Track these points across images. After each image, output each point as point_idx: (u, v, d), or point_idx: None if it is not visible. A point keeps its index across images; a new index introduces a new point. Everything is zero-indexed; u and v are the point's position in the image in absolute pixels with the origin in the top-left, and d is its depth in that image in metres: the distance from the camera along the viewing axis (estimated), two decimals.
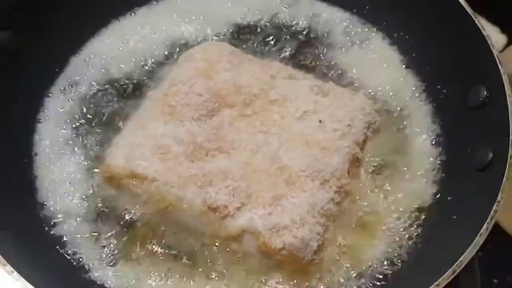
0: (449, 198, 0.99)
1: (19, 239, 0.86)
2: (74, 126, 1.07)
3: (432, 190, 1.02)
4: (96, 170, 1.02)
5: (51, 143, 1.04)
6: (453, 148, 1.04)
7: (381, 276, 0.94)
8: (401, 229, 0.98)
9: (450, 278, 0.80)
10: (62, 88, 1.10)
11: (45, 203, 0.98)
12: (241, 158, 0.97)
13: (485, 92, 0.99)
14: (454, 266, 0.81)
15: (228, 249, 0.94)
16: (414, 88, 1.13)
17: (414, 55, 1.14)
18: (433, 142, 1.07)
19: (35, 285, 0.76)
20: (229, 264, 0.95)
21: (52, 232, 0.95)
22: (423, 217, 0.99)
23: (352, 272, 0.94)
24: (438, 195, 1.01)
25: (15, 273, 0.77)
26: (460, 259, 0.82)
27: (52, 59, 1.10)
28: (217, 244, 0.95)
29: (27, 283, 0.76)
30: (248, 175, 0.96)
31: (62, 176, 1.01)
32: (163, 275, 0.94)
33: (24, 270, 0.77)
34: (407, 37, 1.16)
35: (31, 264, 0.82)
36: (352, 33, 1.18)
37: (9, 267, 0.77)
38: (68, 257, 0.93)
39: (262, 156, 0.98)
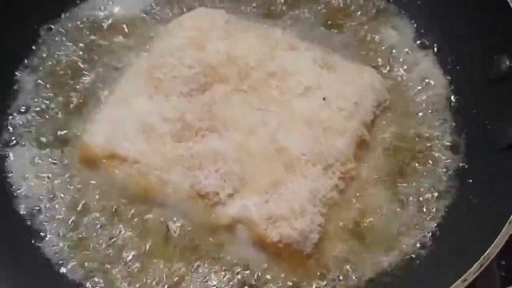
0: (469, 180, 0.89)
1: None
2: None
3: (450, 174, 0.91)
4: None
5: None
6: (472, 127, 0.93)
7: (395, 273, 0.84)
8: (418, 220, 0.87)
9: (478, 273, 0.71)
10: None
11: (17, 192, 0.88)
12: (235, 139, 0.87)
13: (508, 62, 0.88)
14: (481, 259, 0.72)
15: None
16: (430, 62, 1.01)
17: (430, 26, 1.03)
18: (450, 121, 0.96)
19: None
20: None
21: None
22: (442, 205, 0.88)
23: (358, 268, 0.84)
24: (458, 180, 0.90)
25: None
26: (487, 251, 0.73)
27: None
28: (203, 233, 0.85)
29: None
30: (242, 158, 0.85)
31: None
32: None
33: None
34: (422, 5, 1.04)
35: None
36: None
37: None
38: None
39: (259, 137, 0.87)
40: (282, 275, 0.82)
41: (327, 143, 0.87)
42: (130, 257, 0.83)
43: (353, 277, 0.83)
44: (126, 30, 1.03)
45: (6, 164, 0.90)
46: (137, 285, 0.82)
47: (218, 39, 0.95)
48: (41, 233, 0.85)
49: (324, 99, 0.91)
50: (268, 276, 0.82)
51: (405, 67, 1.01)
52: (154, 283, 0.82)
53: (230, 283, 0.82)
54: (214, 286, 0.82)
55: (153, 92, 0.90)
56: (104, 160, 0.85)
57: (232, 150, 0.85)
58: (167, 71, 0.91)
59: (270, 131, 0.88)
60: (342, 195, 0.87)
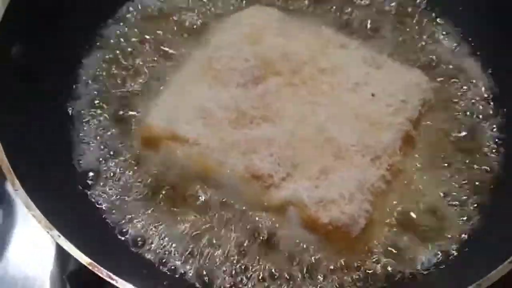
0: None
1: (62, 203, 0.82)
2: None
3: (494, 169, 0.94)
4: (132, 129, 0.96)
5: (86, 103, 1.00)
6: None
7: (431, 265, 0.86)
8: (462, 213, 0.90)
9: None
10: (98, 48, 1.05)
11: (81, 164, 0.93)
12: (286, 127, 0.91)
13: None
14: None
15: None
16: (475, 66, 1.05)
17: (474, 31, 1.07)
18: (494, 121, 0.99)
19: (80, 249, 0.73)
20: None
21: (89, 194, 0.90)
22: (487, 198, 0.91)
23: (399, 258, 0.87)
24: (504, 172, 0.93)
25: (62, 237, 0.73)
26: None
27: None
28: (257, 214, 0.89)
29: (73, 246, 0.72)
30: (294, 145, 0.89)
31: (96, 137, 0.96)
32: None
33: (69, 234, 0.73)
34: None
35: (75, 228, 0.78)
36: None
37: (55, 231, 0.73)
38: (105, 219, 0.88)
39: (309, 126, 0.92)
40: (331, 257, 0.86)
41: (375, 136, 0.91)
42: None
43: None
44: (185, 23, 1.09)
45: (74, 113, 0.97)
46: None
47: (272, 35, 1.00)
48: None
49: (372, 95, 0.96)
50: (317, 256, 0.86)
51: (450, 68, 1.05)
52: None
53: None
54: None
55: (212, 81, 0.95)
56: (165, 141, 0.91)
57: (284, 137, 0.90)
58: (225, 63, 0.96)
59: (319, 121, 0.92)
60: (388, 185, 0.90)
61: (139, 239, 0.87)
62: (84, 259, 0.71)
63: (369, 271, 0.85)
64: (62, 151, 0.92)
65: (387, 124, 0.93)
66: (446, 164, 0.95)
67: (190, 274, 0.84)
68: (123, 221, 0.88)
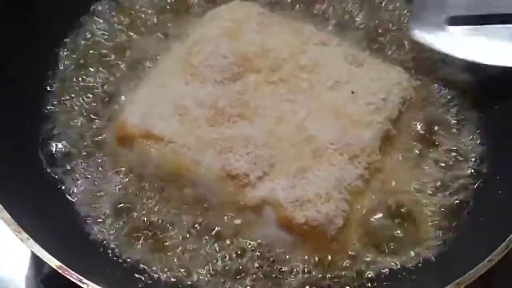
0: (497, 177, 0.91)
1: (32, 204, 0.81)
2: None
3: (475, 161, 0.94)
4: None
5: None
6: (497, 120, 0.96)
7: (412, 265, 0.86)
8: (444, 208, 0.90)
9: (503, 253, 0.74)
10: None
11: (53, 161, 0.92)
12: (264, 125, 0.90)
13: None
14: (507, 240, 0.74)
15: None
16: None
17: None
18: (476, 118, 0.98)
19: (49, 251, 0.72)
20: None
21: (61, 193, 0.89)
22: (467, 199, 0.91)
23: (379, 258, 0.86)
24: (484, 164, 0.93)
25: (31, 240, 0.72)
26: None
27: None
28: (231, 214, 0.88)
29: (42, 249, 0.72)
30: (271, 143, 0.88)
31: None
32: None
33: (39, 236, 0.73)
34: None
35: (45, 231, 0.77)
36: None
37: (24, 234, 0.72)
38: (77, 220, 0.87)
39: (287, 124, 0.91)
40: (306, 257, 0.85)
41: (354, 135, 0.90)
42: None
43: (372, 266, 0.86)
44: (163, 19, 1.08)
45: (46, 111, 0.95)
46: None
47: (252, 31, 0.99)
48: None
49: (352, 92, 0.94)
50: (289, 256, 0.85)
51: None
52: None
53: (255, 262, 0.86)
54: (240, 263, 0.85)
55: (189, 78, 0.94)
56: (139, 139, 0.89)
57: (262, 135, 0.89)
58: (203, 59, 0.94)
59: (298, 120, 0.91)
60: (367, 184, 0.89)
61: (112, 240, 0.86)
62: (54, 262, 0.70)
63: (344, 272, 0.85)
64: (33, 149, 0.90)
65: (367, 122, 0.92)
66: (426, 163, 0.94)
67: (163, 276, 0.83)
68: (97, 221, 0.87)
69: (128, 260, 0.84)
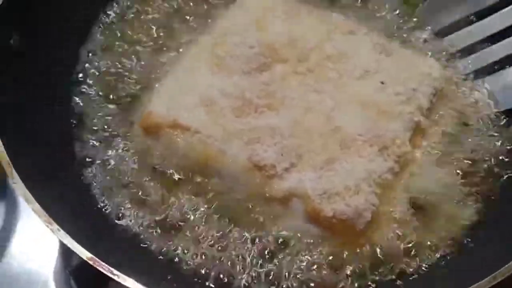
0: None
1: (63, 196, 0.81)
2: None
3: (506, 156, 0.92)
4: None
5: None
6: None
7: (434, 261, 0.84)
8: (471, 202, 0.88)
9: None
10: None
11: (82, 154, 0.92)
12: (291, 116, 0.89)
13: None
14: None
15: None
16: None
17: None
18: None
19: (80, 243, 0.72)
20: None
21: (90, 186, 0.89)
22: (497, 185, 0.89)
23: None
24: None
25: (62, 231, 0.72)
26: None
27: None
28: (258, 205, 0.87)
29: (73, 241, 0.72)
30: (298, 134, 0.87)
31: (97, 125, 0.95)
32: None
33: (70, 228, 0.73)
34: None
35: (76, 222, 0.77)
36: None
37: (55, 225, 0.72)
38: (105, 211, 0.87)
39: (315, 115, 0.89)
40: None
41: (383, 126, 0.88)
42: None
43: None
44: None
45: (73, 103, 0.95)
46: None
47: (279, 19, 0.97)
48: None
49: (382, 83, 0.92)
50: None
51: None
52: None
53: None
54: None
55: (215, 69, 0.93)
56: (166, 129, 0.89)
57: (289, 126, 0.87)
58: (230, 49, 0.93)
59: (326, 110, 0.89)
60: (396, 177, 0.88)
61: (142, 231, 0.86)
62: (84, 254, 0.70)
63: (371, 266, 0.83)
64: (62, 143, 0.90)
65: (397, 113, 0.90)
66: (455, 158, 0.91)
67: (194, 266, 0.83)
68: (126, 213, 0.87)
69: (158, 251, 0.83)
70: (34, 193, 0.73)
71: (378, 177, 0.85)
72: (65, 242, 0.71)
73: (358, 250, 0.84)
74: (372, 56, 0.95)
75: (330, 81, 0.93)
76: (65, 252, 0.92)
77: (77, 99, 0.97)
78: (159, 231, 0.85)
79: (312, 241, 0.85)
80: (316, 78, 0.93)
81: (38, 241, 0.93)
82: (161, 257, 0.83)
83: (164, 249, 0.84)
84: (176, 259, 0.83)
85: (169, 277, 0.79)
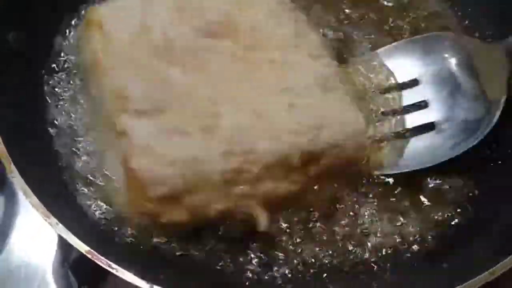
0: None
1: (61, 190, 0.82)
2: None
3: None
4: None
5: None
6: None
7: None
8: None
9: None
10: None
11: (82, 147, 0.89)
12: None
13: None
14: None
15: None
16: None
17: None
18: None
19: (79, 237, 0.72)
20: None
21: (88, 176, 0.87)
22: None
23: None
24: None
25: (60, 225, 0.72)
26: None
27: None
28: None
29: (71, 234, 0.71)
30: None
31: None
32: None
33: (68, 221, 0.73)
34: None
35: (74, 216, 0.78)
36: None
37: (53, 219, 0.72)
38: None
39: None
40: None
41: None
42: None
43: None
44: None
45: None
46: None
47: None
48: None
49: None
50: None
51: None
52: None
53: None
54: None
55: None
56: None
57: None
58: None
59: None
60: None
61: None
62: (83, 248, 0.70)
63: None
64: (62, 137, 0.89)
65: None
66: None
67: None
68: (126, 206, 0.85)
69: (158, 244, 0.83)
70: (32, 187, 0.73)
71: None
72: (63, 235, 0.71)
73: None
74: None
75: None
76: (64, 247, 0.91)
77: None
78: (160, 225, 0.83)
79: None
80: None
81: (37, 235, 0.93)
82: (160, 250, 0.83)
83: (164, 242, 0.83)
84: (177, 253, 0.82)
85: (168, 271, 0.79)
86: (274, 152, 0.79)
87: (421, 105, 0.90)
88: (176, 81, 0.83)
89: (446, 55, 0.92)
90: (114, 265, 0.70)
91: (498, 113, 0.84)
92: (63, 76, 0.94)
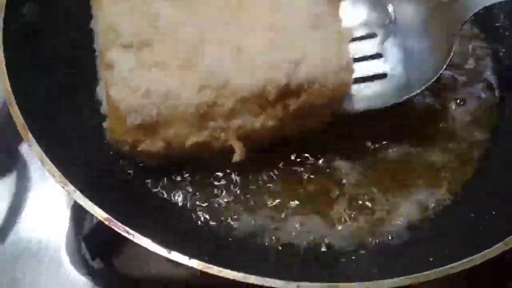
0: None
1: (78, 157, 0.82)
2: None
3: None
4: None
5: None
6: None
7: None
8: None
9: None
10: None
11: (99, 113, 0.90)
12: None
13: None
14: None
15: None
16: None
17: None
18: None
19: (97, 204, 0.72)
20: None
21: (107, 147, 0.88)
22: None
23: None
24: None
25: (78, 192, 0.72)
26: None
27: None
28: None
29: (88, 201, 0.72)
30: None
31: None
32: None
33: (85, 188, 0.73)
34: None
35: (92, 183, 0.77)
36: None
37: (71, 186, 0.72)
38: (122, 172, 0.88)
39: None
40: None
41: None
42: None
43: None
44: None
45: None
46: None
47: None
48: None
49: None
50: None
51: None
52: None
53: None
54: None
55: None
56: None
57: None
58: None
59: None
60: None
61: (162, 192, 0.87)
62: (100, 214, 0.71)
63: None
64: (78, 103, 0.89)
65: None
66: None
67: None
68: (143, 173, 0.87)
69: (174, 208, 0.85)
70: (49, 155, 0.73)
71: None
72: (81, 202, 0.71)
73: None
74: None
75: None
76: (76, 220, 0.92)
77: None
78: (178, 191, 0.87)
79: None
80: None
81: (50, 208, 0.93)
82: (176, 214, 0.84)
83: (179, 206, 0.85)
84: (193, 217, 0.84)
85: (187, 237, 0.80)
86: (249, 86, 0.79)
87: (374, 56, 0.94)
88: (165, 17, 0.84)
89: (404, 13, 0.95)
90: (131, 231, 0.70)
91: (444, 66, 0.87)
92: None
